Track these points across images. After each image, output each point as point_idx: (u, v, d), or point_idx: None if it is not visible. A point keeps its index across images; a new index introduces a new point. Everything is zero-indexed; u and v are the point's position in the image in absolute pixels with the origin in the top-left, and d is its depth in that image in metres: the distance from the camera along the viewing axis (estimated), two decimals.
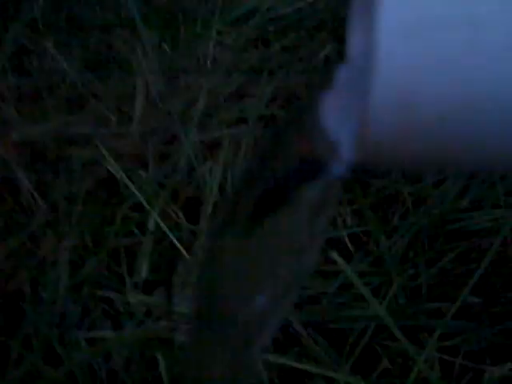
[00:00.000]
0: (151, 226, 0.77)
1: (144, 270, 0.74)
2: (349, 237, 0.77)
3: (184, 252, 0.76)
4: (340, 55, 0.80)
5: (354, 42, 0.22)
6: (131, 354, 0.64)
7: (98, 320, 0.68)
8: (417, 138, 0.19)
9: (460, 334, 0.64)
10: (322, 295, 0.69)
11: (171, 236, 0.76)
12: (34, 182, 0.90)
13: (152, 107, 1.03)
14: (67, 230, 0.78)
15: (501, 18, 0.18)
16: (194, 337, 0.30)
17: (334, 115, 0.22)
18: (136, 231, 0.79)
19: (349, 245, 0.76)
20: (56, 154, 0.96)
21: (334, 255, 0.57)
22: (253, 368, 0.30)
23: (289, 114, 0.25)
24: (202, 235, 0.78)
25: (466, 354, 0.62)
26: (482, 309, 0.65)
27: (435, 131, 0.19)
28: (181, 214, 0.82)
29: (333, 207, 0.25)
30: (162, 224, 0.77)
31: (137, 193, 0.80)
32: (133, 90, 1.06)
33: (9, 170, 0.91)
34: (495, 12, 0.18)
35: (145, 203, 0.79)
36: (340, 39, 1.00)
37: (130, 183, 0.82)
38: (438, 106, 0.19)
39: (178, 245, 0.76)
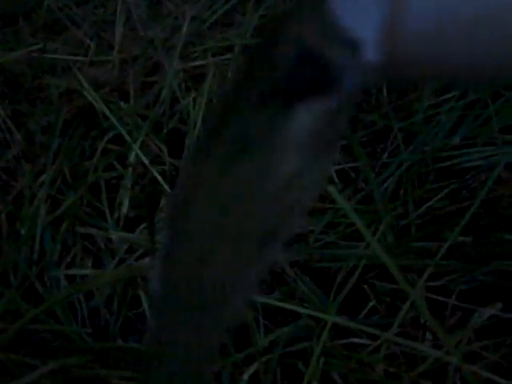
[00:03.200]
0: (132, 159, 0.74)
1: (125, 205, 0.71)
2: (337, 173, 0.75)
3: (166, 187, 0.73)
4: None
5: None
6: (113, 291, 0.62)
7: (79, 257, 0.66)
8: (457, 33, 0.16)
9: (449, 273, 0.63)
10: (308, 233, 0.67)
11: (153, 170, 0.74)
12: (9, 111, 0.86)
13: (133, 34, 0.98)
14: (45, 164, 0.75)
15: None
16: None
17: (351, 4, 0.18)
18: (116, 165, 0.76)
19: (337, 181, 0.74)
20: (32, 83, 0.91)
21: (331, 189, 0.54)
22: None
23: (292, 5, 0.20)
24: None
25: (451, 294, 0.61)
26: (472, 249, 0.64)
27: (482, 26, 0.16)
28: (163, 147, 0.79)
29: (340, 136, 0.21)
30: (143, 157, 0.74)
31: (117, 124, 0.77)
32: (113, 15, 1.01)
33: None
34: None
35: (126, 135, 0.76)
36: None
37: (110, 114, 0.78)
38: None
39: (161, 179, 0.74)
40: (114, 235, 0.64)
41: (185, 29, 0.89)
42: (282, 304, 0.55)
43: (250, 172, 0.20)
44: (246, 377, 0.53)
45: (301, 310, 0.55)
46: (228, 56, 0.83)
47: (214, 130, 0.21)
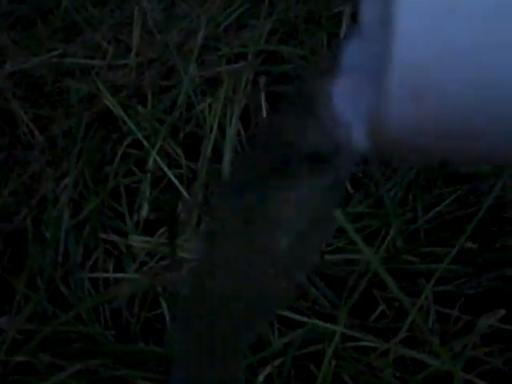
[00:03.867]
0: (151, 165, 0.77)
1: (145, 209, 0.74)
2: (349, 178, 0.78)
3: (183, 191, 0.76)
4: None
5: (369, 17, 0.21)
6: (134, 294, 0.65)
7: (101, 260, 0.69)
8: (431, 130, 0.19)
9: (456, 279, 0.65)
10: None
11: (171, 176, 0.76)
12: (31, 114, 0.89)
13: (149, 37, 1.01)
14: (67, 168, 0.78)
15: None
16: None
17: (345, 99, 0.21)
18: (135, 170, 0.79)
19: (348, 186, 0.77)
20: (52, 87, 0.94)
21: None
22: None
23: (296, 97, 0.24)
24: (202, 173, 0.79)
25: (459, 300, 0.63)
26: (479, 254, 0.66)
27: (451, 125, 0.19)
28: (180, 151, 0.82)
29: (343, 190, 0.24)
30: (161, 163, 0.77)
31: (135, 130, 0.80)
32: (129, 17, 1.04)
33: (6, 101, 0.90)
34: None
35: (144, 141, 0.79)
36: None
37: (128, 120, 0.81)
38: (457, 98, 0.18)
39: (178, 184, 0.77)
40: (135, 241, 0.67)
41: (201, 34, 0.91)
42: (293, 315, 0.58)
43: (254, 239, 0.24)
44: (261, 378, 0.56)
45: (309, 320, 0.58)
46: (242, 64, 0.86)
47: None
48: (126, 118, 0.82)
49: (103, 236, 0.69)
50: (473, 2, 0.17)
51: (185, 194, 0.76)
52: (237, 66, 0.86)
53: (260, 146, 0.25)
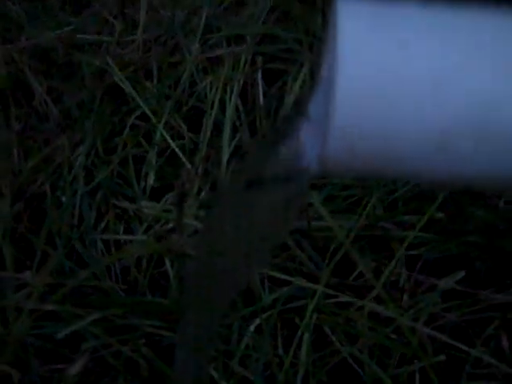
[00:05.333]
0: (157, 138, 0.85)
1: (151, 177, 0.82)
2: None
3: (185, 160, 0.84)
4: None
5: (325, 68, 0.27)
6: (142, 254, 0.74)
7: (111, 223, 0.77)
8: (362, 166, 0.26)
9: (426, 244, 0.74)
10: (308, 206, 0.78)
11: (174, 147, 0.84)
12: (45, 86, 0.96)
13: (154, 13, 1.07)
14: (80, 138, 0.86)
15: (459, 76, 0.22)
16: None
17: (309, 137, 0.29)
18: (143, 141, 0.87)
19: None
20: (64, 60, 1.01)
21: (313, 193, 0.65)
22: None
23: (273, 132, 0.32)
24: (203, 144, 0.86)
25: (427, 263, 0.72)
26: (447, 223, 0.75)
27: (378, 163, 0.25)
28: (183, 124, 0.89)
29: (302, 201, 0.33)
30: (167, 136, 0.85)
31: (143, 105, 0.87)
32: None
33: (22, 73, 0.97)
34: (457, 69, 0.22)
35: (151, 115, 0.87)
36: None
37: (136, 95, 0.88)
38: (382, 150, 0.25)
39: (181, 155, 0.84)
40: (143, 207, 0.76)
41: (204, 13, 0.98)
42: (283, 275, 0.67)
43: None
44: (252, 328, 0.65)
45: (294, 280, 0.67)
46: (242, 47, 0.93)
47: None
48: (133, 94, 0.89)
49: (115, 202, 0.77)
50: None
51: (187, 164, 0.84)
52: (236, 48, 0.93)
53: (246, 163, 0.33)
